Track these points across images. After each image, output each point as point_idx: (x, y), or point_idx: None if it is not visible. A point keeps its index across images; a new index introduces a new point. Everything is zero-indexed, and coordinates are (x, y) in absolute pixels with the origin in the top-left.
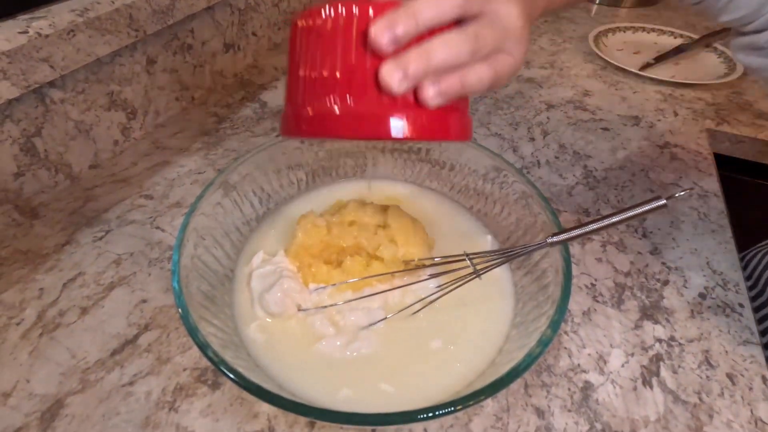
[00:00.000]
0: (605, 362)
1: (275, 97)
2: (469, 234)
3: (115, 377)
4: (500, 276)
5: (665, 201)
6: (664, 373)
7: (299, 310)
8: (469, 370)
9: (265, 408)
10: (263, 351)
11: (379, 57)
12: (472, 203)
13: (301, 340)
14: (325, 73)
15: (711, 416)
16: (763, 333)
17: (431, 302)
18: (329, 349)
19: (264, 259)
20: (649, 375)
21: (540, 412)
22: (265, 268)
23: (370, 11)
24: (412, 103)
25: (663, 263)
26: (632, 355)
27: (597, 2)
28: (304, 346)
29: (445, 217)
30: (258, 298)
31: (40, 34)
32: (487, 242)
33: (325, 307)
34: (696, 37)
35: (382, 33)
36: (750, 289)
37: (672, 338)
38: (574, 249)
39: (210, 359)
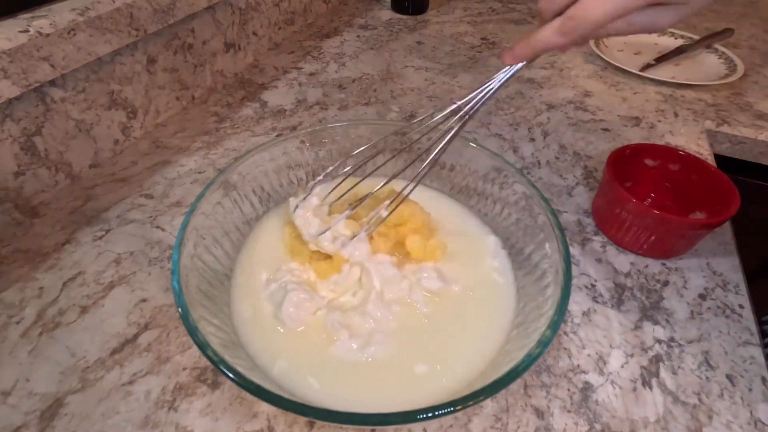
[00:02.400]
0: (605, 363)
1: (276, 96)
2: (473, 232)
3: (114, 376)
4: (502, 276)
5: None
6: (664, 373)
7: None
8: (469, 371)
9: (265, 407)
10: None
11: None
12: (472, 203)
13: (316, 343)
14: None
15: (710, 417)
16: None
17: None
18: (342, 352)
19: (268, 278)
20: (648, 376)
21: (539, 413)
22: (270, 288)
23: None
24: None
25: (663, 264)
26: (632, 355)
27: None
28: (317, 349)
29: (448, 216)
30: (274, 317)
31: (40, 33)
32: (491, 242)
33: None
34: (696, 38)
35: None
36: None
37: (672, 339)
38: (574, 249)
39: (209, 359)
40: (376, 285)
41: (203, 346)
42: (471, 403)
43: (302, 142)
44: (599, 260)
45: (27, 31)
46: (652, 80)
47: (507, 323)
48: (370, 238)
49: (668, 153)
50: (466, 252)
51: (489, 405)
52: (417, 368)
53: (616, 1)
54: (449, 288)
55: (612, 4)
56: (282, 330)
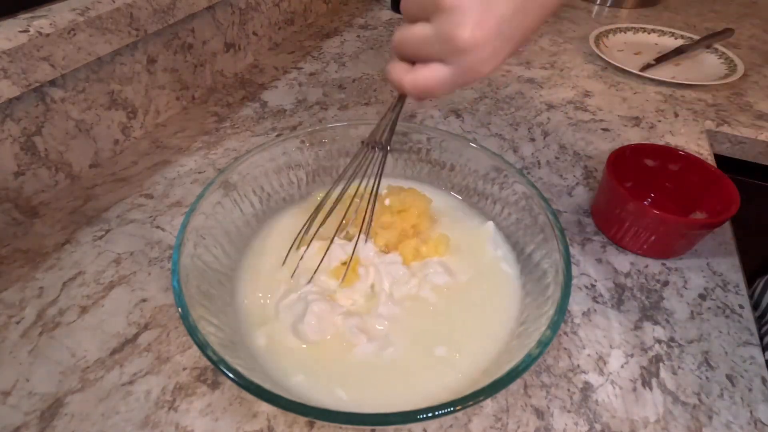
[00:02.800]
0: (605, 363)
1: (276, 96)
2: (471, 222)
3: (114, 376)
4: (508, 265)
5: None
6: (664, 374)
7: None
8: (485, 359)
9: (265, 407)
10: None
11: None
12: (472, 203)
13: (336, 351)
14: None
15: (710, 417)
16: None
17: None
18: (363, 357)
19: (287, 288)
20: (648, 376)
21: (539, 413)
22: (288, 298)
23: None
24: None
25: (663, 264)
26: (632, 355)
27: (598, 3)
28: (339, 357)
29: (445, 209)
30: (291, 329)
31: (40, 33)
32: (490, 227)
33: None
34: (697, 38)
35: None
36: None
37: (672, 339)
38: (574, 249)
39: (209, 358)
40: (386, 287)
41: (203, 346)
42: (471, 403)
43: (302, 142)
44: (599, 260)
45: (27, 31)
46: (652, 80)
47: (515, 309)
48: (375, 234)
49: (668, 153)
50: (467, 243)
51: (489, 405)
52: (435, 358)
53: (453, 88)
54: (457, 280)
55: (450, 89)
56: (301, 342)
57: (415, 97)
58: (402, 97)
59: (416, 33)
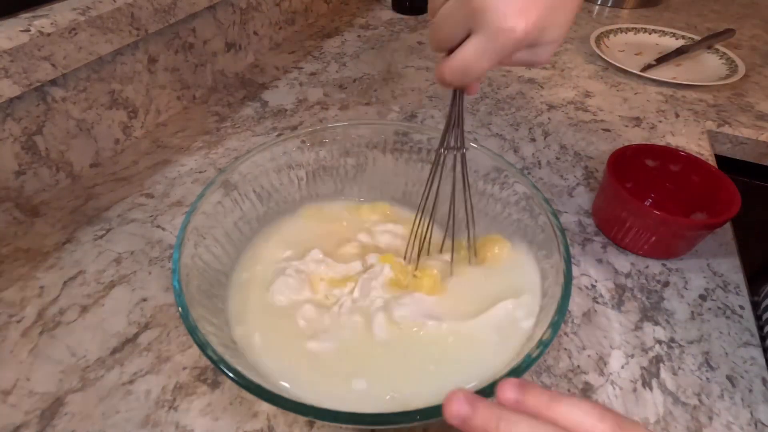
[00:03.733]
0: (605, 363)
1: (276, 96)
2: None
3: (115, 376)
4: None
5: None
6: (664, 374)
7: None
8: (483, 370)
9: (265, 407)
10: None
11: None
12: (472, 203)
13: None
14: None
15: (711, 418)
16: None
17: None
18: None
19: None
20: (648, 376)
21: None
22: (278, 266)
23: None
24: None
25: (663, 264)
26: (632, 356)
27: (598, 3)
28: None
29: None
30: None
31: (41, 33)
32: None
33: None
34: (698, 38)
35: None
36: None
37: (672, 340)
38: (575, 250)
39: (210, 358)
40: (356, 294)
41: (203, 346)
42: None
43: (303, 141)
44: (600, 261)
45: (28, 30)
46: (653, 81)
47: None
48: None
49: (669, 153)
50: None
51: None
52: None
53: (490, 59)
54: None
55: (487, 61)
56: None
57: (457, 83)
58: (454, 91)
59: (441, 12)
